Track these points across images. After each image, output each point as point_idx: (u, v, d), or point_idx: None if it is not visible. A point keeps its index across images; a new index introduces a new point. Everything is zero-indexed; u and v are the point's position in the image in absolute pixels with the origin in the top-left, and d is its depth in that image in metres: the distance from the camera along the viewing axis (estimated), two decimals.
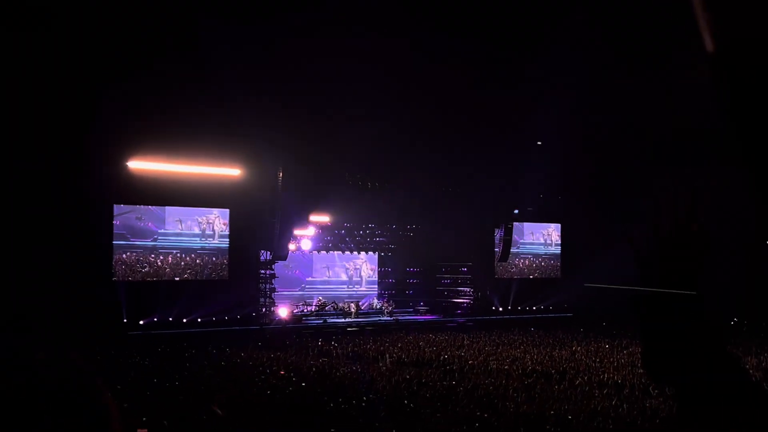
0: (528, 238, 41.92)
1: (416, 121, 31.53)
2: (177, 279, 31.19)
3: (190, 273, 31.59)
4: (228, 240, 32.45)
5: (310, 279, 38.42)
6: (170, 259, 31.17)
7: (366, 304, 39.22)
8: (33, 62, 23.65)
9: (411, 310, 39.22)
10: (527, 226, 41.82)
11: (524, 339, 26.18)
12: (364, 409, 13.12)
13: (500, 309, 39.36)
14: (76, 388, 1.44)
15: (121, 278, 29.78)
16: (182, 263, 31.48)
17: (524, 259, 41.68)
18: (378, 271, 40.60)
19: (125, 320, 28.60)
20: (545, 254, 42.61)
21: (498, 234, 38.70)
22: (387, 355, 21.31)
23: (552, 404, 13.78)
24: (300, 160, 30.99)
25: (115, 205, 29.84)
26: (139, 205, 30.47)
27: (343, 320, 34.04)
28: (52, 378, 1.47)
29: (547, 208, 40.75)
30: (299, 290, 37.65)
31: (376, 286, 40.37)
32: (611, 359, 20.38)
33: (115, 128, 27.20)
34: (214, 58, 25.58)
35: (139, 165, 29.09)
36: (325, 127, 29.74)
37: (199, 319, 30.46)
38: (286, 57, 26.42)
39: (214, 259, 32.19)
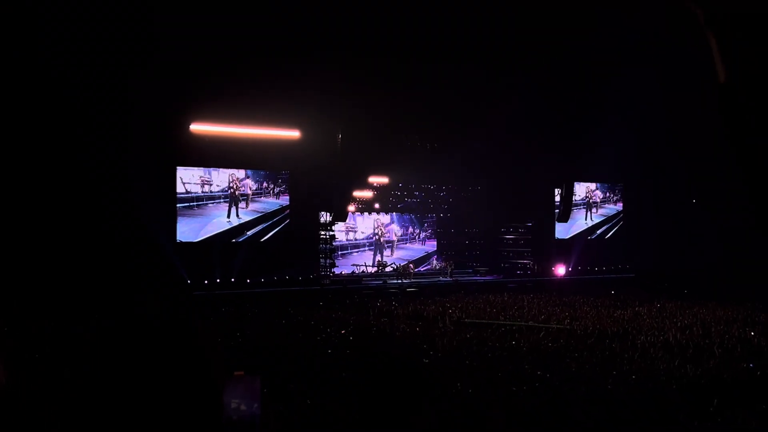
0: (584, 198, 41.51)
1: (476, 81, 31.18)
2: (237, 240, 31.73)
3: (250, 234, 32.15)
4: (288, 201, 32.89)
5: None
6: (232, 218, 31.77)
7: (426, 265, 39.44)
8: (97, 26, 24.03)
9: (470, 271, 39.22)
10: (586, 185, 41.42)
11: (585, 299, 25.97)
12: (425, 365, 13.27)
13: (560, 270, 39.10)
14: (180, 329, 1.62)
15: (184, 239, 30.45)
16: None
17: (584, 218, 41.37)
18: (437, 232, 40.64)
19: (189, 281, 29.26)
20: (604, 214, 42.19)
21: (558, 193, 38.30)
22: (447, 316, 21.37)
23: (614, 364, 13.72)
24: (359, 122, 31.03)
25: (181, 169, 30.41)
26: (202, 167, 30.99)
27: (402, 281, 34.18)
28: (162, 321, 1.68)
29: (610, 168, 40.10)
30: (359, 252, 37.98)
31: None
32: (675, 320, 20.13)
33: (177, 92, 27.61)
34: (274, 22, 25.64)
35: (201, 128, 29.53)
36: (384, 89, 29.64)
37: (261, 279, 31.06)
38: (345, 20, 26.32)
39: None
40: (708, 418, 9.77)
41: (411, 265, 37.17)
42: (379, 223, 38.54)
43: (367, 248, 38.07)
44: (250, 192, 32.15)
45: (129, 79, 26.19)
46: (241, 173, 31.97)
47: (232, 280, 30.59)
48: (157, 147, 28.42)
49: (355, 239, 37.77)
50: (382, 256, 38.14)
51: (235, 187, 31.75)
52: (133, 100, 26.68)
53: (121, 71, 25.84)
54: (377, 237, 38.34)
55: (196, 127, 29.41)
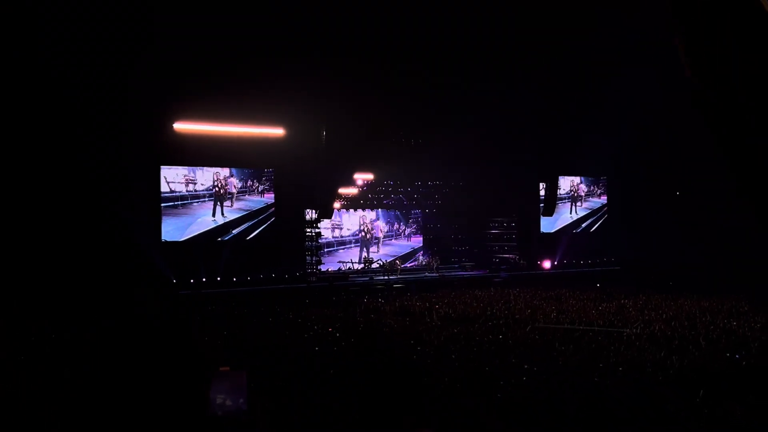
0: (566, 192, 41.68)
1: (460, 76, 31.18)
2: (222, 239, 31.64)
3: (236, 233, 32.08)
4: (273, 198, 32.84)
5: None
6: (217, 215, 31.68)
7: (412, 261, 39.47)
8: (80, 25, 23.88)
9: (456, 266, 39.26)
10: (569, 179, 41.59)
11: (571, 293, 26.07)
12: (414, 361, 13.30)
13: (546, 264, 39.18)
14: (176, 325, 1.69)
15: (169, 238, 30.33)
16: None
17: (569, 212, 41.54)
18: (423, 228, 40.64)
19: (174, 280, 29.14)
20: (588, 208, 42.38)
21: (543, 187, 38.39)
22: (434, 311, 21.39)
23: (600, 356, 13.78)
24: (343, 119, 30.96)
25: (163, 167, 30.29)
26: (186, 166, 30.87)
27: (388, 277, 34.20)
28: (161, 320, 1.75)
29: (594, 161, 40.21)
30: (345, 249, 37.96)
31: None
32: (660, 312, 20.24)
33: (160, 91, 27.47)
34: (256, 20, 25.56)
35: (184, 127, 29.45)
36: (368, 85, 29.57)
37: (248, 278, 31.00)
38: (328, 18, 26.24)
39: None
40: (695, 409, 9.83)
41: (398, 261, 37.17)
42: (365, 220, 38.54)
43: (353, 245, 38.08)
44: (234, 190, 32.07)
45: (113, 79, 26.05)
46: (225, 171, 31.87)
47: (218, 279, 30.51)
48: (141, 146, 28.27)
49: (341, 236, 37.77)
50: (368, 253, 38.15)
51: (219, 185, 31.65)
52: (117, 99, 26.52)
53: (104, 71, 25.70)
54: (363, 234, 38.35)
55: (180, 126, 29.31)
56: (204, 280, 30.05)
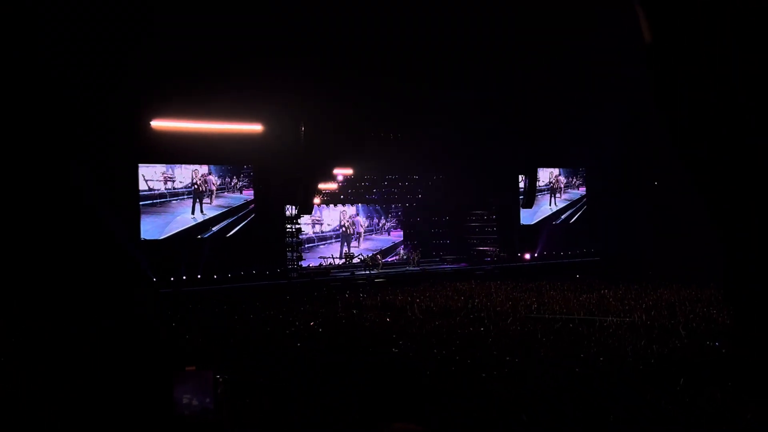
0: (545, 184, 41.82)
1: (439, 69, 31.13)
2: (202, 236, 31.48)
3: (215, 230, 31.92)
4: (253, 195, 32.70)
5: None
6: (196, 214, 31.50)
7: (393, 255, 39.45)
8: (55, 20, 23.63)
9: (438, 259, 39.30)
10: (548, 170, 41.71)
11: (551, 284, 26.17)
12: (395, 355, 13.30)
13: (526, 256, 39.32)
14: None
15: (148, 237, 30.12)
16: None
17: (548, 203, 41.67)
18: (404, 222, 40.61)
19: (155, 279, 28.94)
20: (568, 199, 42.54)
21: (522, 180, 38.47)
22: (416, 305, 21.39)
23: (581, 347, 13.84)
24: (322, 113, 30.86)
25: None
26: (164, 164, 30.64)
27: (370, 272, 34.17)
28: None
29: (571, 153, 40.36)
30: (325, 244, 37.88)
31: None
32: (640, 302, 20.36)
33: (137, 88, 27.23)
34: (233, 17, 25.40)
35: (162, 124, 29.23)
36: (346, 79, 29.49)
37: (228, 275, 30.83)
38: (306, 14, 26.11)
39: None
40: (675, 396, 9.88)
41: (379, 255, 37.16)
42: (345, 215, 38.47)
43: (333, 240, 38.01)
44: (214, 188, 31.90)
45: (89, 77, 25.80)
46: (204, 169, 31.68)
47: (198, 276, 30.33)
48: (119, 144, 28.02)
49: (322, 231, 37.69)
50: (349, 248, 38.10)
51: (198, 183, 31.47)
52: (94, 97, 26.26)
53: (81, 69, 25.43)
54: (344, 229, 38.29)
55: (157, 124, 29.09)
56: (184, 278, 29.87)
